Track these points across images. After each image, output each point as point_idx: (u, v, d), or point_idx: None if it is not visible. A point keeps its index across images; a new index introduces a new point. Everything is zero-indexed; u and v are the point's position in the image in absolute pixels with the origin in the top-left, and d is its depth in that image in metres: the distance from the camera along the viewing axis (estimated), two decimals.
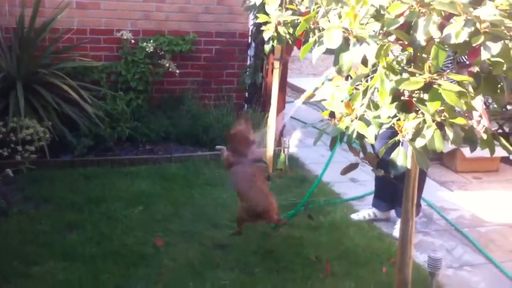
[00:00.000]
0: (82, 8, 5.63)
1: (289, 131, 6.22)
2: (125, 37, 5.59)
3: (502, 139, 2.63)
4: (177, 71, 5.75)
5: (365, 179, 5.20)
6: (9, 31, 5.28)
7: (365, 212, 4.50)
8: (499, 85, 2.45)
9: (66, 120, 5.17)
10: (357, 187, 5.09)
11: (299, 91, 8.82)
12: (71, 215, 4.18)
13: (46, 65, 5.31)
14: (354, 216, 4.47)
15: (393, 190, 4.27)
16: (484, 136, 2.60)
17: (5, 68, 5.14)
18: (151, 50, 5.59)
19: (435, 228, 4.44)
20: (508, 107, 6.32)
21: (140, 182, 4.87)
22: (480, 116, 2.89)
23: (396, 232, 3.99)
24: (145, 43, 5.59)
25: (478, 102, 2.91)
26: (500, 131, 5.97)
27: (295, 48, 4.34)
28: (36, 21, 5.23)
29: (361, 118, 2.52)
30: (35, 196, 4.45)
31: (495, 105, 6.22)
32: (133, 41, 5.63)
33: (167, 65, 5.67)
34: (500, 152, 5.80)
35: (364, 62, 2.41)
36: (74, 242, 3.81)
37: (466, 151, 5.44)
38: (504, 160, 5.84)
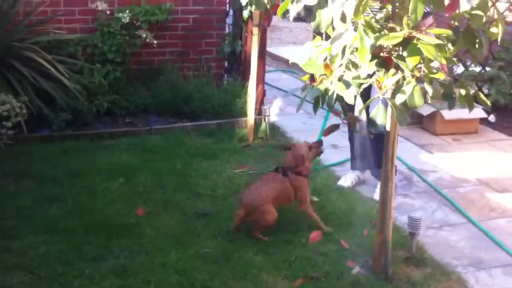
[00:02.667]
0: None
1: (269, 99, 6.20)
2: (100, 8, 5.48)
3: (480, 94, 2.65)
4: (155, 42, 5.66)
5: (346, 145, 5.21)
6: None
7: (350, 176, 4.50)
8: (477, 40, 2.46)
9: (43, 95, 5.08)
10: (338, 153, 5.10)
11: (279, 59, 8.78)
12: (51, 189, 4.14)
13: (20, 39, 5.19)
14: (343, 183, 4.45)
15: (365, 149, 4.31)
16: (463, 92, 2.61)
17: None
18: (127, 20, 5.48)
19: (415, 190, 4.48)
20: (487, 68, 6.37)
21: (121, 154, 4.83)
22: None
23: (376, 195, 4.03)
24: (120, 14, 5.49)
25: None
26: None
27: (275, 17, 4.29)
28: None
29: (341, 79, 2.52)
30: (14, 171, 4.39)
31: (472, 67, 6.27)
32: (108, 12, 5.52)
33: (144, 35, 5.58)
34: (478, 113, 5.87)
35: (343, 19, 2.39)
36: (54, 216, 3.79)
37: (445, 113, 5.47)
38: (483, 121, 5.88)
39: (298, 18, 10.68)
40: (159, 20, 5.71)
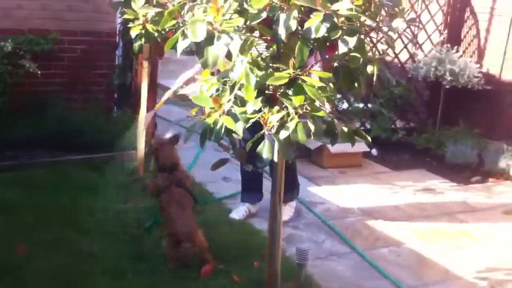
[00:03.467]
0: None
1: (161, 132, 6.13)
2: None
3: (361, 131, 2.79)
4: (39, 72, 5.46)
5: (238, 178, 5.27)
6: None
7: (241, 209, 4.55)
8: (356, 80, 2.60)
9: None
10: (230, 186, 5.14)
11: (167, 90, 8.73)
12: None
13: None
14: (235, 216, 4.48)
15: (260, 179, 4.46)
16: (345, 129, 2.74)
17: None
18: (9, 49, 5.27)
19: (304, 222, 4.60)
20: (369, 105, 6.74)
21: (2, 190, 4.54)
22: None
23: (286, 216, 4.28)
24: (2, 43, 5.25)
25: None
26: (362, 128, 6.32)
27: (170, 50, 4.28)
28: None
29: (229, 113, 2.55)
30: None
31: (355, 104, 6.61)
32: None
33: (27, 65, 5.37)
34: (362, 147, 6.15)
35: (229, 56, 2.44)
36: None
37: (331, 147, 5.69)
38: (366, 155, 6.19)
39: (190, 52, 10.70)
40: (44, 49, 5.52)
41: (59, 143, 5.41)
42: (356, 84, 2.56)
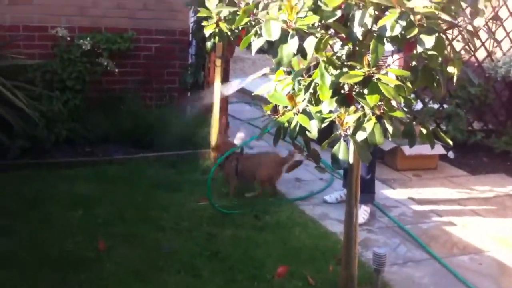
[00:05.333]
0: (14, 3, 5.38)
1: (233, 131, 6.15)
2: (60, 34, 5.38)
3: (441, 133, 2.68)
4: (116, 70, 5.58)
5: (310, 179, 5.22)
6: None
7: (337, 194, 4.72)
8: (435, 79, 2.49)
9: None
10: (302, 187, 5.08)
11: (241, 90, 8.77)
12: (4, 220, 3.96)
13: None
14: (327, 199, 4.71)
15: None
16: (424, 131, 2.64)
17: None
18: (88, 48, 5.40)
19: (378, 225, 4.48)
20: (445, 106, 6.52)
21: (80, 185, 4.69)
22: None
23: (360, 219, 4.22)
24: (81, 41, 5.40)
25: None
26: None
27: (237, 48, 4.30)
28: None
29: (304, 112, 2.51)
30: None
31: (431, 104, 6.41)
32: (68, 38, 5.42)
33: (105, 63, 5.50)
34: (438, 149, 5.96)
35: (304, 55, 2.40)
36: (7, 248, 3.60)
37: (406, 149, 5.55)
38: (442, 157, 5.98)
39: (260, 50, 10.76)
40: (121, 48, 5.64)
41: (133, 139, 5.54)
42: (435, 84, 2.46)
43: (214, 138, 5.14)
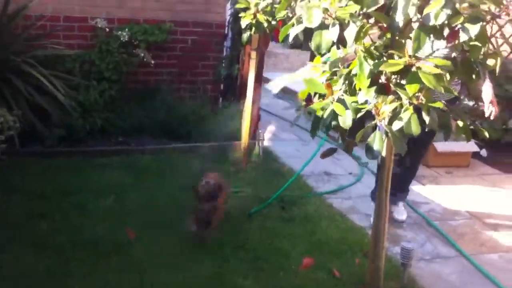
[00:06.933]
0: None
1: (263, 124, 6.20)
2: (99, 25, 5.50)
3: (478, 126, 2.66)
4: (152, 62, 5.67)
5: (338, 173, 5.23)
6: None
7: (402, 209, 4.49)
8: (476, 70, 2.47)
9: (37, 109, 5.06)
10: (330, 181, 5.09)
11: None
12: (40, 205, 4.09)
13: (18, 53, 5.16)
14: (399, 216, 4.45)
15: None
16: (460, 123, 2.62)
17: None
18: (126, 39, 5.50)
19: (407, 221, 4.46)
20: (480, 103, 6.41)
21: (112, 173, 4.79)
22: (491, 102, 2.89)
23: (399, 215, 4.35)
24: (119, 32, 5.50)
25: (488, 88, 2.91)
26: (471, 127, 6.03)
27: (271, 43, 4.32)
28: (9, 7, 5.11)
29: (339, 101, 2.52)
30: (3, 185, 4.34)
31: (465, 102, 6.31)
32: (107, 29, 5.53)
33: (142, 55, 5.59)
34: (471, 147, 5.88)
35: (344, 44, 2.41)
36: (43, 232, 3.73)
37: (438, 145, 5.50)
38: (475, 155, 5.91)
39: (293, 45, 10.76)
40: (157, 40, 5.73)
41: (166, 130, 5.62)
42: (474, 77, 2.43)
43: (246, 130, 5.18)
